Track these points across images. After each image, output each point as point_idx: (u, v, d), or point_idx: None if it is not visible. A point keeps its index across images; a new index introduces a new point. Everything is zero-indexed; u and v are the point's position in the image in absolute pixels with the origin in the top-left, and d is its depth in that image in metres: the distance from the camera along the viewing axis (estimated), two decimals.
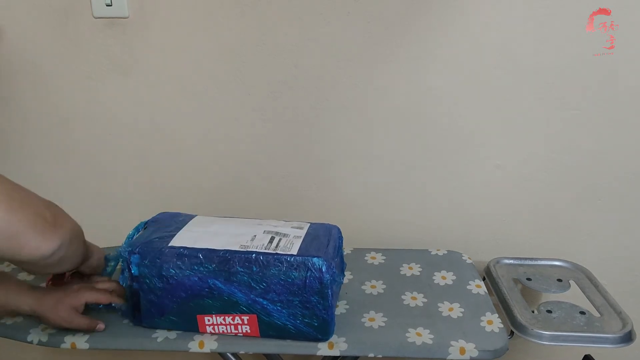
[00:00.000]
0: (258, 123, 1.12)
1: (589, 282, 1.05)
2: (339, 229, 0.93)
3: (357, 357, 0.90)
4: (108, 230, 1.22)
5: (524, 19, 1.02)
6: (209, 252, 0.81)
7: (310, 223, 0.92)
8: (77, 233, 0.78)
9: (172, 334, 0.86)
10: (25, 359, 1.39)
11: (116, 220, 1.21)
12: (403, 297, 0.98)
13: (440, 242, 1.18)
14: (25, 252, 0.66)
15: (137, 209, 1.20)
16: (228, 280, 0.81)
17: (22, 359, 1.38)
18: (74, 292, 0.84)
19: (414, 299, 0.97)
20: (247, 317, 0.83)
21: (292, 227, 0.89)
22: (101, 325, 0.86)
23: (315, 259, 0.80)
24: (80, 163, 1.18)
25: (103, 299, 0.86)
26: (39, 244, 0.68)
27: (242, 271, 0.80)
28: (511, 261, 1.12)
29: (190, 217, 0.93)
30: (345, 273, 1.06)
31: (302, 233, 0.88)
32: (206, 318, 0.83)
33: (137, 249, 0.82)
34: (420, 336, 0.87)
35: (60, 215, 0.74)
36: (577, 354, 1.01)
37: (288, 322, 0.82)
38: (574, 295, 1.01)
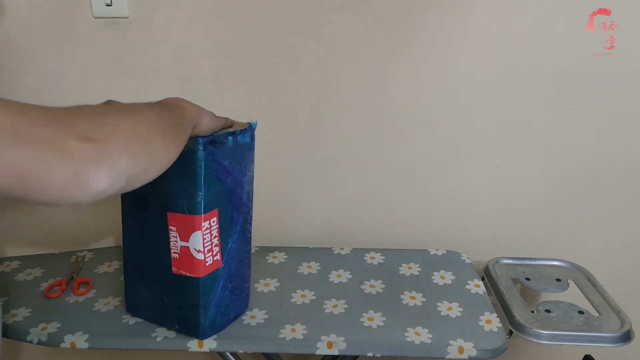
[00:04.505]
0: (258, 123, 1.12)
1: (587, 281, 1.05)
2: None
3: (357, 357, 0.91)
4: (108, 229, 1.22)
5: (524, 19, 1.02)
6: None
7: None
8: (150, 132, 0.55)
9: (172, 334, 0.86)
10: (25, 359, 1.39)
11: (116, 219, 1.21)
12: (402, 296, 0.98)
13: (439, 241, 1.19)
14: (51, 196, 0.45)
15: None
16: None
17: (22, 359, 1.39)
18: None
19: (412, 299, 0.98)
20: None
21: None
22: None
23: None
24: None
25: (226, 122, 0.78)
26: (70, 180, 0.45)
27: None
28: (510, 261, 1.12)
29: None
30: (344, 272, 1.06)
31: None
32: None
33: None
34: (419, 335, 0.87)
35: (113, 124, 0.50)
36: (576, 353, 1.01)
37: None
38: (572, 295, 1.02)
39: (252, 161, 0.85)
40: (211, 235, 0.80)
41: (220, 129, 0.78)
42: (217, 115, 0.76)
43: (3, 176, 0.43)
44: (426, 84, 1.08)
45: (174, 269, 0.82)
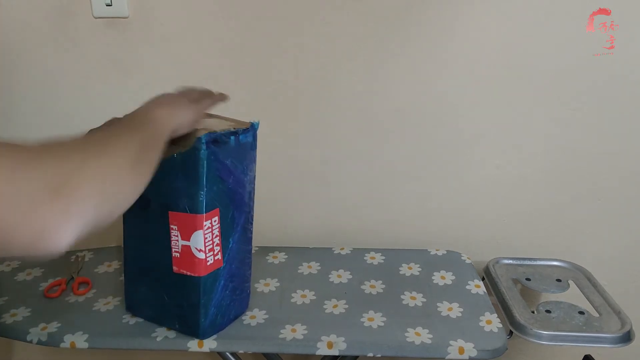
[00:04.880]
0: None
1: (588, 282, 1.05)
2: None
3: (357, 357, 0.91)
4: (108, 229, 1.22)
5: (524, 19, 1.02)
6: None
7: None
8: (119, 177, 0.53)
9: (172, 334, 0.86)
10: (25, 359, 1.39)
11: (116, 219, 1.21)
12: (402, 297, 0.98)
13: (439, 242, 1.18)
14: (15, 250, 0.44)
15: None
16: None
17: (22, 358, 1.39)
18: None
19: (413, 299, 0.97)
20: None
21: None
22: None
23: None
24: None
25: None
26: (34, 237, 0.44)
27: None
28: (510, 261, 1.12)
29: None
30: (344, 272, 1.06)
31: None
32: None
33: None
34: (419, 336, 0.87)
35: (79, 174, 0.48)
36: (577, 354, 1.01)
37: None
38: (573, 295, 1.02)
39: (254, 161, 0.85)
40: (212, 234, 0.80)
41: (203, 113, 0.77)
42: (202, 91, 0.77)
43: None
44: (426, 84, 1.08)
45: (174, 268, 0.81)
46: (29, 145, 0.47)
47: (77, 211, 0.46)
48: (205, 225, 0.78)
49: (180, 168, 0.76)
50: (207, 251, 0.79)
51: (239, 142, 0.80)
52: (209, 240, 0.79)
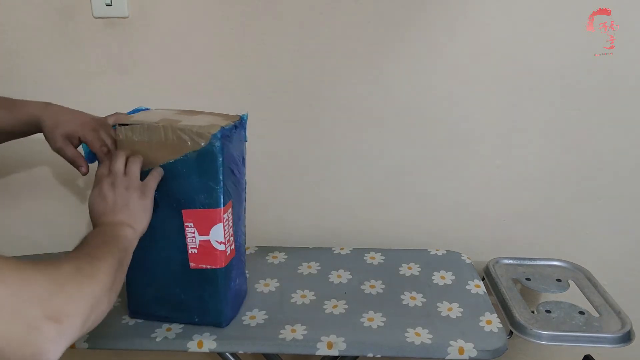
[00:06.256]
0: (258, 123, 1.12)
1: (588, 282, 1.05)
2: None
3: (357, 357, 0.91)
4: None
5: (524, 19, 1.02)
6: None
7: None
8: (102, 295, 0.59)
9: (171, 334, 0.86)
10: None
11: None
12: (402, 297, 0.98)
13: (439, 242, 1.18)
14: None
15: None
16: None
17: None
18: (76, 123, 0.81)
19: (413, 299, 0.97)
20: None
21: None
22: (84, 170, 0.82)
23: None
24: None
25: (96, 145, 0.80)
26: (28, 357, 0.48)
27: None
28: (510, 261, 1.12)
29: None
30: (344, 273, 1.06)
31: None
32: None
33: None
34: (419, 336, 0.87)
35: (74, 303, 0.53)
36: (577, 354, 1.01)
37: None
38: (573, 295, 1.02)
39: (245, 149, 0.89)
40: (229, 225, 0.83)
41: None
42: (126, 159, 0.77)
43: None
44: (426, 84, 1.08)
45: (192, 264, 0.83)
46: (29, 263, 0.51)
47: (69, 335, 0.52)
48: (224, 217, 0.80)
49: (195, 165, 0.77)
50: (226, 242, 0.82)
51: (238, 134, 0.83)
52: (227, 232, 0.82)
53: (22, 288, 0.48)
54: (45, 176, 1.19)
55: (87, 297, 0.55)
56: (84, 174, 0.83)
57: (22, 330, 0.47)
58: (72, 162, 0.83)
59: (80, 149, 0.85)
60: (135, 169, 0.76)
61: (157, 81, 1.10)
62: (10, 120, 0.83)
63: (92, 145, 0.81)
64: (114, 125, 0.82)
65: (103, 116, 0.87)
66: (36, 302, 0.49)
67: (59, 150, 0.82)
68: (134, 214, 0.72)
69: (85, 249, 0.63)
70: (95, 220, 0.72)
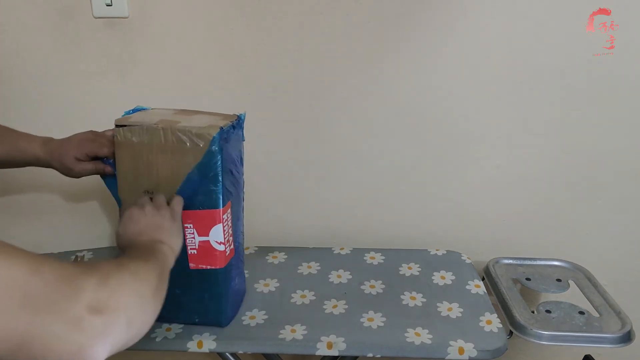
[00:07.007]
0: (258, 123, 1.12)
1: (588, 282, 1.05)
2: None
3: (356, 357, 0.91)
4: (108, 229, 1.22)
5: (524, 19, 1.02)
6: None
7: None
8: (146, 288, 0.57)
9: (171, 334, 0.86)
10: None
11: (116, 220, 1.21)
12: (402, 297, 0.98)
13: (439, 242, 1.18)
14: None
15: None
16: None
17: None
18: (77, 145, 0.85)
19: (413, 299, 0.97)
20: None
21: None
22: (108, 169, 0.85)
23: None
24: None
25: (105, 150, 0.84)
26: (73, 353, 0.45)
27: None
28: (510, 261, 1.12)
29: None
30: (344, 273, 1.06)
31: None
32: None
33: None
34: (419, 336, 0.87)
35: (118, 290, 0.51)
36: (577, 354, 1.01)
37: None
38: (573, 295, 1.01)
39: (243, 148, 0.89)
40: (228, 226, 0.83)
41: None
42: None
43: (4, 343, 0.42)
44: (426, 84, 1.08)
45: (191, 265, 0.83)
46: (65, 261, 0.49)
47: (115, 332, 0.48)
48: (224, 218, 0.80)
49: (194, 167, 0.77)
50: (226, 243, 0.82)
51: (236, 134, 0.83)
52: (226, 232, 0.82)
53: (61, 281, 0.46)
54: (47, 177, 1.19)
55: (131, 293, 0.53)
56: (110, 173, 0.85)
57: (65, 325, 0.45)
58: (96, 173, 0.87)
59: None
60: (161, 197, 0.77)
61: (157, 81, 1.10)
62: (5, 156, 0.86)
63: (99, 152, 0.84)
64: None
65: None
66: (78, 295, 0.46)
67: (79, 175, 0.87)
68: (169, 233, 0.71)
69: (124, 258, 0.61)
70: (130, 242, 0.69)
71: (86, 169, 0.86)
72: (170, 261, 0.68)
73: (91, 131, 0.89)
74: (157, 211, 0.73)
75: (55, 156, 0.86)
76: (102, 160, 0.86)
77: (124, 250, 0.68)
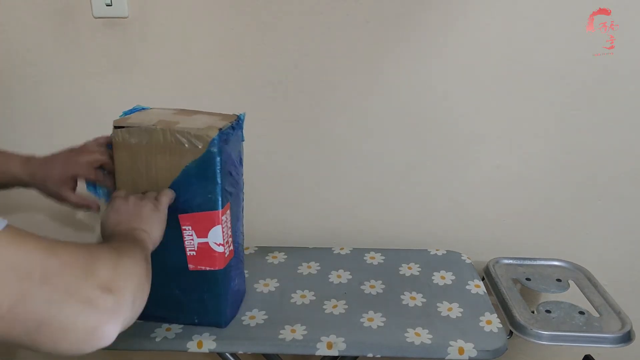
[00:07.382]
0: (258, 123, 1.12)
1: (588, 282, 1.05)
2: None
3: (356, 357, 0.91)
4: None
5: (524, 19, 1.02)
6: None
7: None
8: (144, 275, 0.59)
9: (171, 334, 0.86)
10: (25, 359, 1.39)
11: None
12: (402, 297, 0.98)
13: (439, 242, 1.18)
14: (63, 348, 0.47)
15: None
16: None
17: (22, 358, 1.39)
18: (61, 167, 0.81)
19: (413, 299, 0.97)
20: None
21: None
22: (93, 209, 0.83)
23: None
24: None
25: (90, 174, 0.81)
26: (87, 332, 0.47)
27: None
28: (510, 261, 1.12)
29: None
30: (344, 273, 1.06)
31: None
32: None
33: None
34: (419, 336, 0.87)
35: (126, 271, 0.54)
36: (577, 354, 1.01)
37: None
38: (573, 295, 1.01)
39: (242, 149, 0.89)
40: (227, 227, 0.82)
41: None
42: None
43: (23, 324, 0.43)
44: (426, 84, 1.08)
45: (190, 267, 0.83)
46: (83, 245, 0.51)
47: (124, 310, 0.51)
48: (223, 219, 0.80)
49: (193, 170, 0.77)
50: (225, 244, 0.82)
51: (236, 134, 0.83)
52: (225, 233, 0.82)
53: (75, 262, 0.48)
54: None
55: (132, 274, 0.55)
56: (97, 211, 0.84)
57: (82, 304, 0.46)
58: (79, 207, 0.84)
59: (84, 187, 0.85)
60: (152, 192, 0.77)
61: (156, 81, 1.10)
62: None
63: (87, 177, 0.82)
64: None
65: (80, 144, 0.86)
66: (92, 275, 0.48)
67: (63, 202, 0.83)
68: (148, 221, 0.71)
69: (114, 243, 0.62)
70: (111, 232, 0.69)
71: (70, 202, 0.83)
72: (149, 247, 0.68)
73: (76, 150, 0.84)
74: (139, 201, 0.73)
75: (38, 179, 0.82)
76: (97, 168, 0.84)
77: (106, 239, 0.68)
